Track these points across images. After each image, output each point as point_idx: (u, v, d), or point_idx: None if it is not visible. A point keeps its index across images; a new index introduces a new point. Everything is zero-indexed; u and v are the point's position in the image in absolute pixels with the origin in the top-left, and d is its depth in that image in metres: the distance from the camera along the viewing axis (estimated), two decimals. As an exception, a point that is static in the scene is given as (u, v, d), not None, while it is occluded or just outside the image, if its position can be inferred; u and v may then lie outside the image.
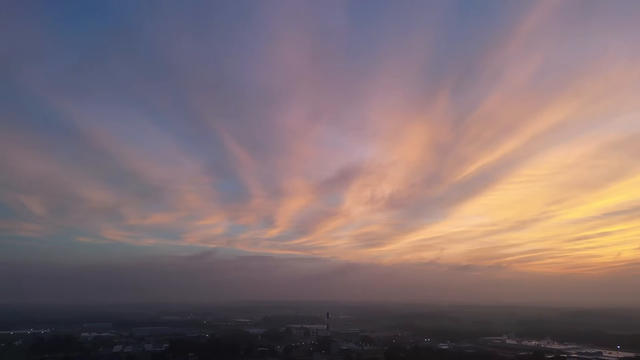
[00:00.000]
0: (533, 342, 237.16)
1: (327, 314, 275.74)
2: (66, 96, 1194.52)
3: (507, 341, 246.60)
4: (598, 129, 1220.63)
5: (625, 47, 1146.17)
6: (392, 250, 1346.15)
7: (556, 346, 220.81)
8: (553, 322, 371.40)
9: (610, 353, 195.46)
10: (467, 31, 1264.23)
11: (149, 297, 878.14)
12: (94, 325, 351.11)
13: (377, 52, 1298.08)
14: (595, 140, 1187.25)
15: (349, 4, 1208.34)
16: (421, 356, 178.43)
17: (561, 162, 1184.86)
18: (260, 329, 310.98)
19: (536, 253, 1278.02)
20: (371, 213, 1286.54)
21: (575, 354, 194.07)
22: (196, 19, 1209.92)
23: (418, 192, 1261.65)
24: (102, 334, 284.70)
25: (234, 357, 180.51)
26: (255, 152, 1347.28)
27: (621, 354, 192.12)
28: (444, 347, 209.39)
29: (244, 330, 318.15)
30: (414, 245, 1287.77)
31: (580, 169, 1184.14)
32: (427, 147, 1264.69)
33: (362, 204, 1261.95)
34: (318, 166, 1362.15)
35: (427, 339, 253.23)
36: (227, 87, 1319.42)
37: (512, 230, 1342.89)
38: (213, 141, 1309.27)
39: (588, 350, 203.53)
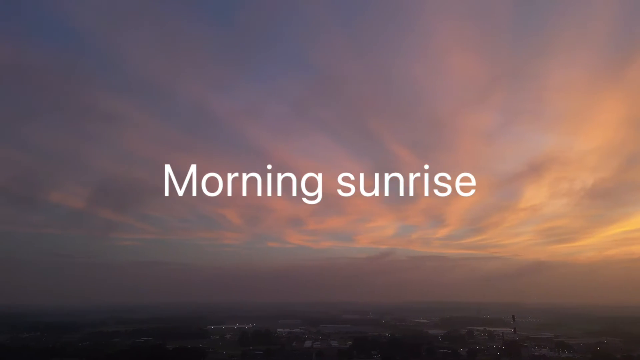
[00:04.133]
0: None
1: (513, 316, 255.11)
2: (251, 120, 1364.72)
3: None
4: None
5: None
6: (588, 246, 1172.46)
7: None
8: None
9: None
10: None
11: (329, 296, 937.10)
12: (286, 322, 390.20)
13: (549, 28, 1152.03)
14: None
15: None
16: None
17: None
18: (440, 330, 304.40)
19: None
20: (557, 205, 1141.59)
21: None
22: (356, 29, 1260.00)
23: (616, 176, 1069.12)
24: (294, 330, 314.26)
25: (415, 358, 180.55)
26: (419, 151, 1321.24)
27: None
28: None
29: (423, 330, 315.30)
30: (618, 238, 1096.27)
31: None
32: (624, 123, 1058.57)
33: (544, 196, 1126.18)
34: (489, 159, 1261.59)
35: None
36: (387, 89, 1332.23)
37: None
38: (378, 145, 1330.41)
39: None
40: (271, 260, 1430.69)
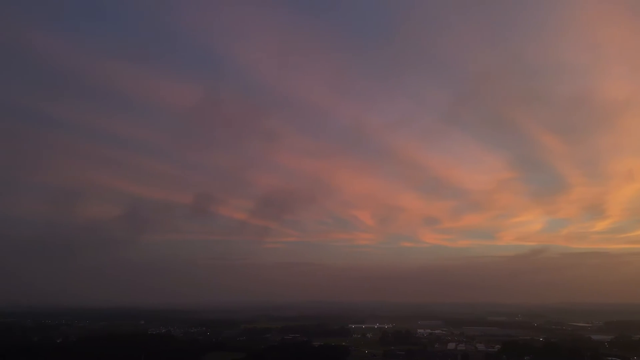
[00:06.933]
0: None
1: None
2: (398, 130, 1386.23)
3: None
4: None
5: None
6: None
7: None
8: None
9: None
10: None
11: (471, 296, 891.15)
12: (427, 323, 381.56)
13: None
14: None
15: None
16: None
17: None
18: (606, 336, 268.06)
19: None
20: None
21: None
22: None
23: None
24: (435, 331, 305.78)
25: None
26: (567, 136, 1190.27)
27: None
28: None
29: (585, 335, 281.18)
30: None
31: None
32: None
33: None
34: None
35: None
36: (528, 75, 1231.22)
37: None
38: (515, 134, 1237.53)
39: None
40: (406, 260, 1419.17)
